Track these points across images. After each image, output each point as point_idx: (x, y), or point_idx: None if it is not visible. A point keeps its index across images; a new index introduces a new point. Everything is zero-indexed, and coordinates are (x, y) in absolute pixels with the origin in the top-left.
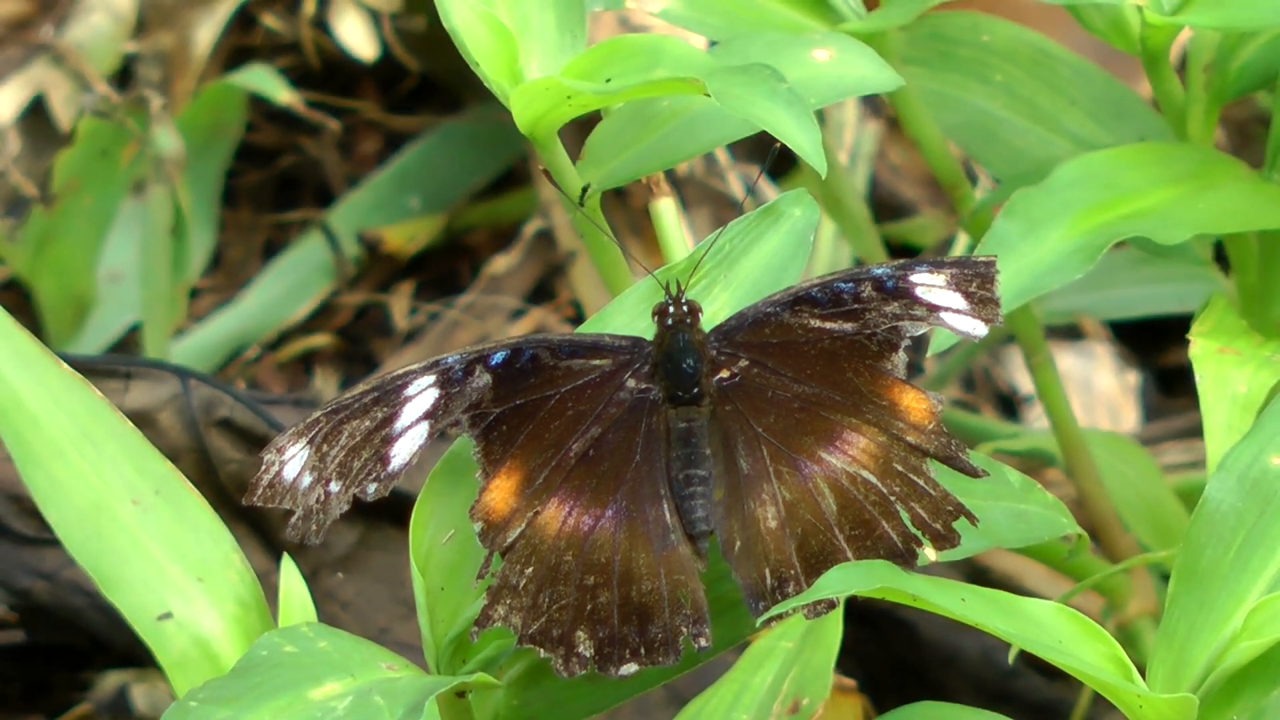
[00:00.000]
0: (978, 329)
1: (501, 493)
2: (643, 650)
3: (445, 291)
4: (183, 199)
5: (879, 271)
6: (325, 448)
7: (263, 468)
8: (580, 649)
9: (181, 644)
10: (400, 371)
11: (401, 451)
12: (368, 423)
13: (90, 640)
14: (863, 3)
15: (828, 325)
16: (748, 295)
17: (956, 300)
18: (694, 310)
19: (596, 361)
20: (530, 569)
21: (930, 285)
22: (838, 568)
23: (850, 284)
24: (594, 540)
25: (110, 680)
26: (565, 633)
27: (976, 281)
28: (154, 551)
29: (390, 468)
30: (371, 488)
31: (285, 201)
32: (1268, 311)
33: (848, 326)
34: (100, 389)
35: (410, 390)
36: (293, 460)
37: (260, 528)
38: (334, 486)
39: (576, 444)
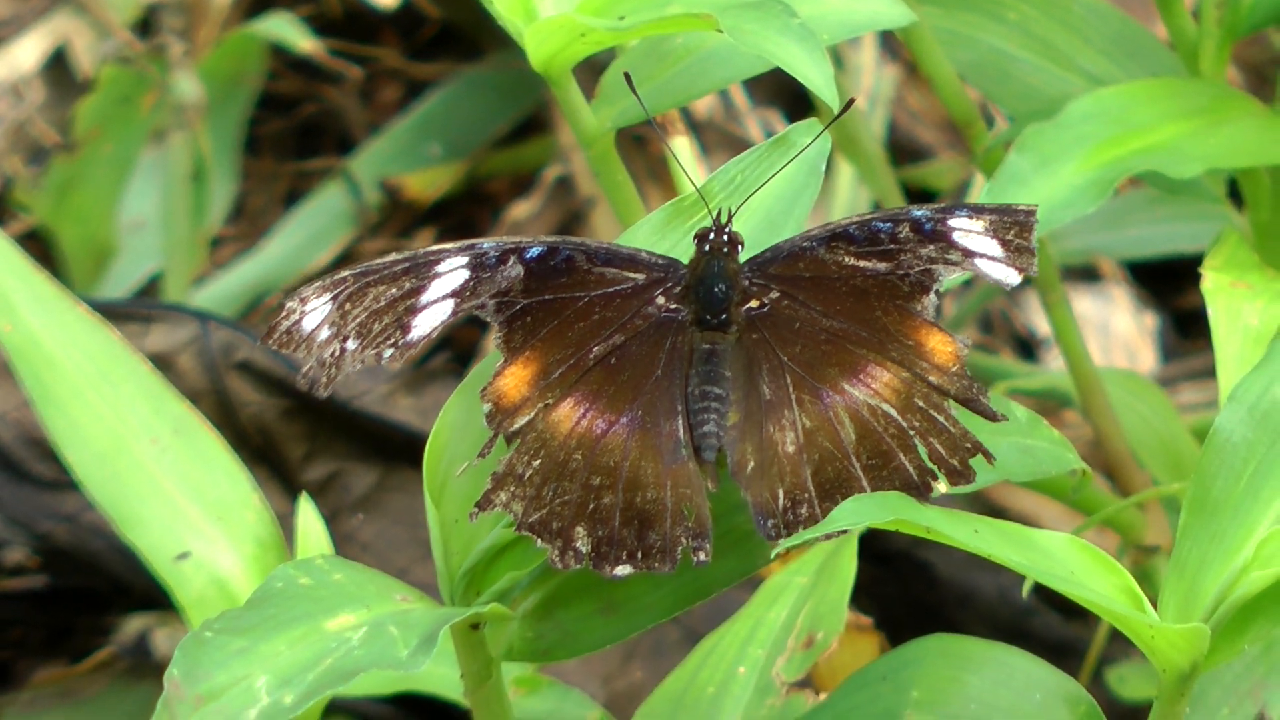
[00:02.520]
0: (1011, 277)
1: (515, 380)
2: (640, 554)
3: (466, 238)
4: (204, 147)
5: (918, 213)
6: (348, 306)
7: (283, 313)
8: (578, 544)
9: (200, 584)
10: (434, 248)
11: (423, 324)
12: (394, 290)
13: (111, 584)
14: None
15: (862, 263)
16: (760, 224)
17: (993, 247)
18: (734, 240)
19: (630, 274)
20: (538, 461)
21: (968, 230)
22: (852, 499)
23: (889, 224)
24: (605, 444)
25: (132, 624)
26: (565, 527)
27: (1015, 229)
28: (172, 491)
29: (409, 336)
30: (388, 352)
31: (306, 149)
32: None
33: (881, 266)
34: (120, 332)
35: (441, 267)
36: (314, 312)
37: (279, 470)
38: (351, 345)
39: (598, 348)
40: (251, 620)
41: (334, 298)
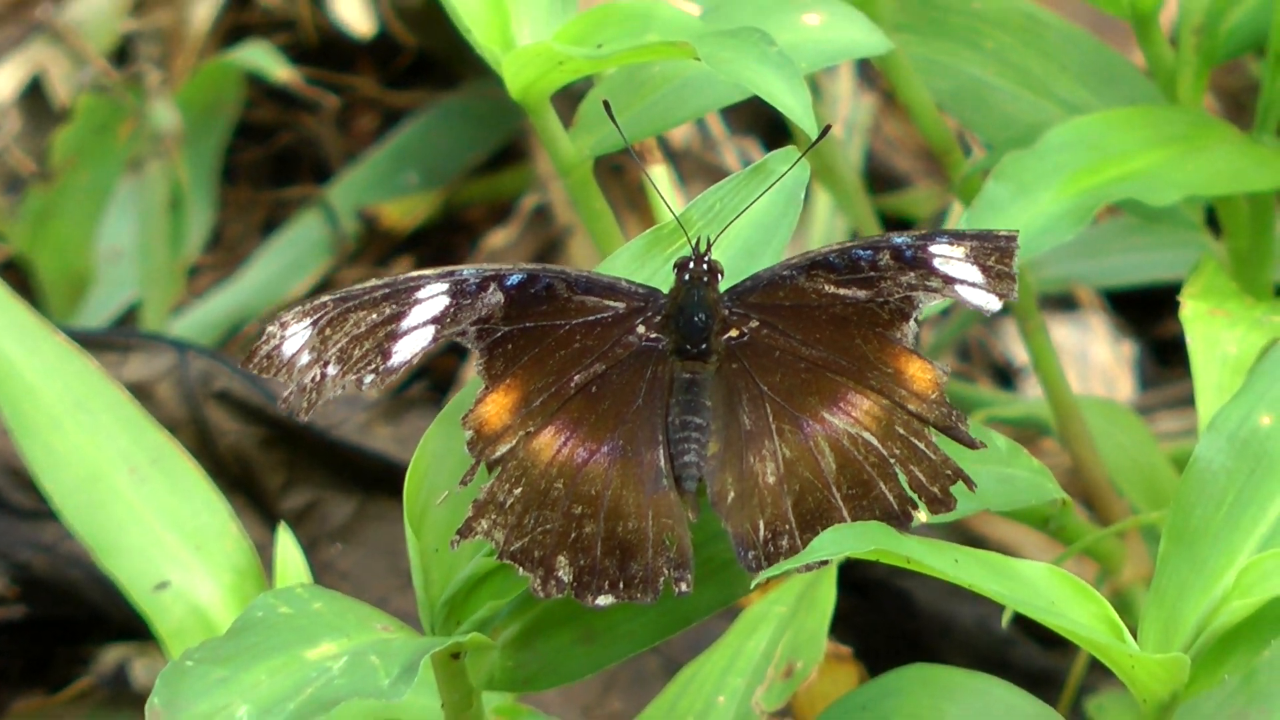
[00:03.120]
0: (992, 303)
1: (497, 407)
2: (622, 584)
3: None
4: (181, 175)
5: (899, 240)
6: (329, 331)
7: (263, 338)
8: (559, 573)
9: (179, 613)
10: (415, 274)
11: (403, 350)
12: (374, 316)
13: (89, 613)
14: None
15: (842, 291)
16: (739, 253)
17: (973, 273)
18: (714, 269)
19: (610, 303)
20: (519, 489)
21: (948, 257)
22: (832, 529)
23: (869, 251)
24: (586, 473)
25: (111, 654)
26: (546, 556)
27: (996, 255)
28: (151, 521)
29: (390, 362)
30: (368, 378)
31: (284, 178)
32: (1258, 274)
33: (861, 294)
34: (98, 361)
35: (422, 294)
36: (294, 337)
37: (257, 499)
38: (331, 370)
39: (579, 376)
40: (232, 649)
41: (314, 323)
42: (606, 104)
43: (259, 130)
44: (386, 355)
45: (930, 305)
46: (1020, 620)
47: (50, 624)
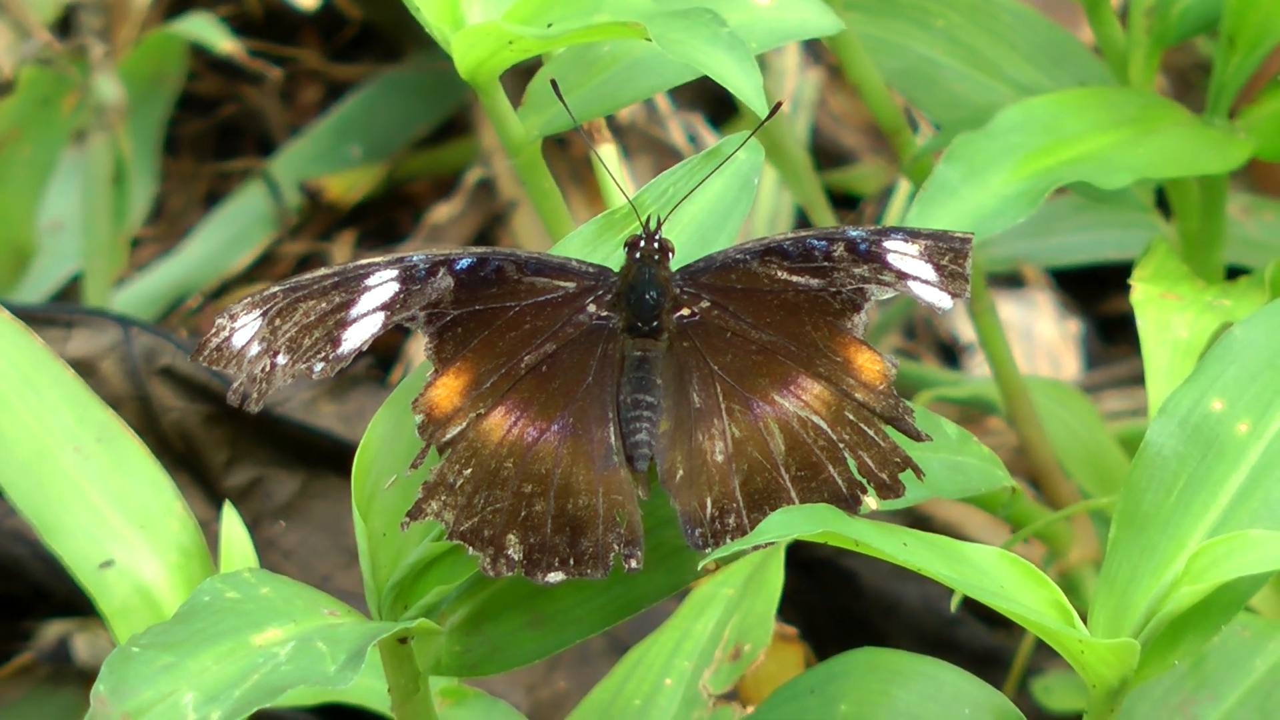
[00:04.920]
0: (944, 301)
1: (447, 390)
2: (572, 561)
3: (387, 240)
4: (124, 148)
5: (854, 234)
6: (278, 321)
7: (212, 330)
8: (509, 551)
9: (123, 592)
10: (364, 262)
11: (353, 337)
12: (324, 304)
13: (32, 589)
14: None
15: (794, 278)
16: (691, 237)
17: (927, 271)
18: (665, 248)
19: (560, 283)
20: (469, 470)
21: (903, 253)
22: (781, 510)
23: (824, 242)
24: (536, 451)
25: (52, 630)
26: (496, 534)
27: (950, 255)
28: (95, 499)
29: (340, 350)
30: (319, 366)
31: (226, 151)
32: (1209, 257)
33: (814, 282)
34: (41, 337)
35: (371, 281)
36: (244, 328)
37: (201, 476)
38: (281, 359)
39: (529, 357)
40: (178, 635)
41: (264, 313)
42: (554, 83)
43: (202, 102)
44: (336, 343)
45: (883, 298)
46: (967, 600)
47: None
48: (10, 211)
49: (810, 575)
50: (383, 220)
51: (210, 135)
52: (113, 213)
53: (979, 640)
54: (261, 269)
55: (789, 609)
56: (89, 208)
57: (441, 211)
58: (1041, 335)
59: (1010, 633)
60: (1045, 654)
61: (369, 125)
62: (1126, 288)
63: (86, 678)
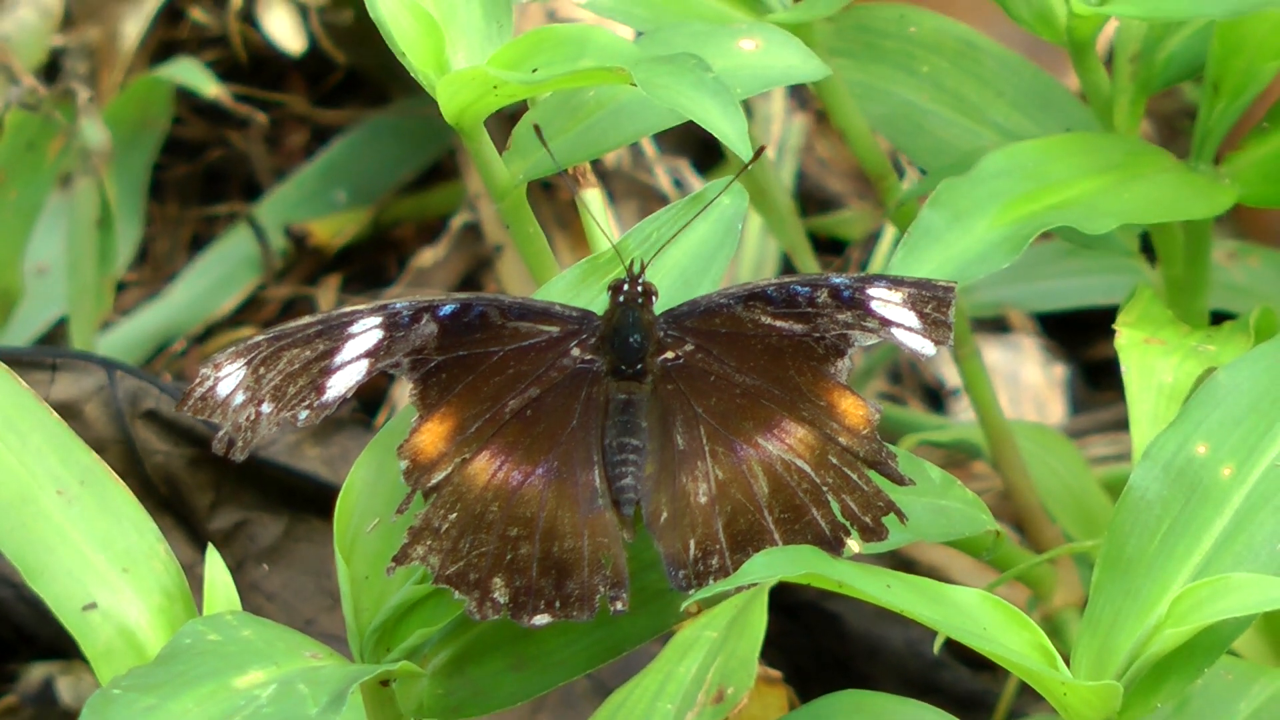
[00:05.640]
0: (927, 348)
1: (432, 436)
2: (558, 603)
3: (372, 285)
4: (109, 192)
5: (837, 280)
6: (262, 370)
7: (197, 380)
8: (495, 595)
9: (107, 635)
10: (347, 309)
11: (338, 384)
12: (308, 352)
13: (15, 632)
14: None
15: (778, 323)
16: (675, 282)
17: (910, 318)
18: (648, 291)
19: (544, 327)
20: (454, 514)
21: (886, 300)
22: (764, 552)
23: (807, 288)
24: (521, 495)
25: (36, 672)
26: (482, 578)
27: (933, 304)
28: (79, 542)
29: (324, 398)
30: (303, 414)
31: (212, 195)
32: (1194, 302)
33: (798, 327)
34: (26, 380)
35: (355, 328)
36: (228, 378)
37: (185, 519)
38: (266, 408)
39: (514, 401)
40: (160, 677)
41: (248, 362)
42: (537, 128)
43: (188, 147)
44: (321, 390)
45: (867, 344)
46: (950, 643)
47: None
48: None
49: (794, 619)
50: (368, 264)
51: (196, 179)
52: (98, 257)
53: (962, 684)
54: (247, 313)
55: (773, 652)
56: (74, 251)
57: (427, 256)
58: (1027, 380)
59: (994, 676)
60: (1028, 698)
61: (354, 170)
62: (1112, 333)
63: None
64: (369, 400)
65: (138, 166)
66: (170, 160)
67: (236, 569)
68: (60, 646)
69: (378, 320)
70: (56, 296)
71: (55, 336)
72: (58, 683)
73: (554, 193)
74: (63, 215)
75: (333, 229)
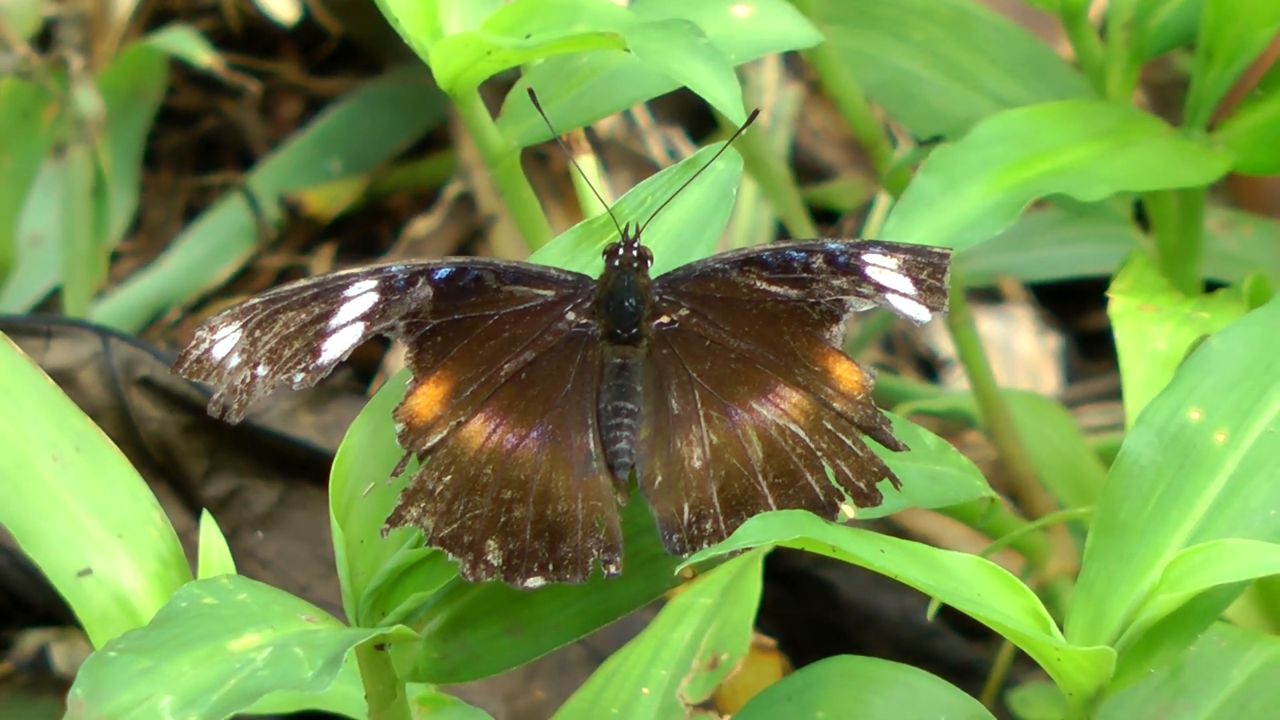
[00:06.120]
0: (921, 314)
1: (427, 399)
2: (551, 566)
3: (366, 254)
4: (103, 161)
5: (833, 246)
6: (258, 333)
7: (193, 342)
8: (489, 557)
9: (101, 600)
10: (343, 273)
11: (333, 347)
12: (304, 315)
13: (9, 599)
14: None
15: (773, 289)
16: (669, 246)
17: (905, 284)
18: (644, 255)
19: (539, 291)
20: (448, 477)
21: (881, 266)
22: (758, 516)
23: (803, 253)
24: (516, 458)
25: (30, 640)
26: (476, 540)
27: (928, 270)
28: (74, 508)
29: (320, 360)
30: (299, 377)
31: (206, 164)
32: (1187, 270)
33: (793, 293)
34: (20, 347)
35: (350, 291)
36: (223, 340)
37: (180, 486)
38: (261, 370)
39: (509, 365)
40: (156, 640)
41: (243, 325)
42: (532, 93)
43: (182, 116)
44: (316, 354)
45: (862, 310)
46: (944, 612)
47: None
48: None
49: (788, 587)
50: (362, 234)
51: (190, 149)
52: (92, 226)
53: (956, 652)
54: (241, 282)
55: (767, 620)
56: (68, 221)
57: (421, 225)
58: (1020, 350)
59: (988, 645)
60: (1022, 667)
61: (349, 139)
62: (1105, 302)
63: (65, 687)
64: (364, 369)
65: (132, 136)
66: (164, 130)
67: (231, 536)
68: (55, 613)
69: (373, 283)
70: (51, 266)
71: (49, 306)
72: (52, 650)
73: (548, 163)
74: (57, 184)
75: (327, 198)
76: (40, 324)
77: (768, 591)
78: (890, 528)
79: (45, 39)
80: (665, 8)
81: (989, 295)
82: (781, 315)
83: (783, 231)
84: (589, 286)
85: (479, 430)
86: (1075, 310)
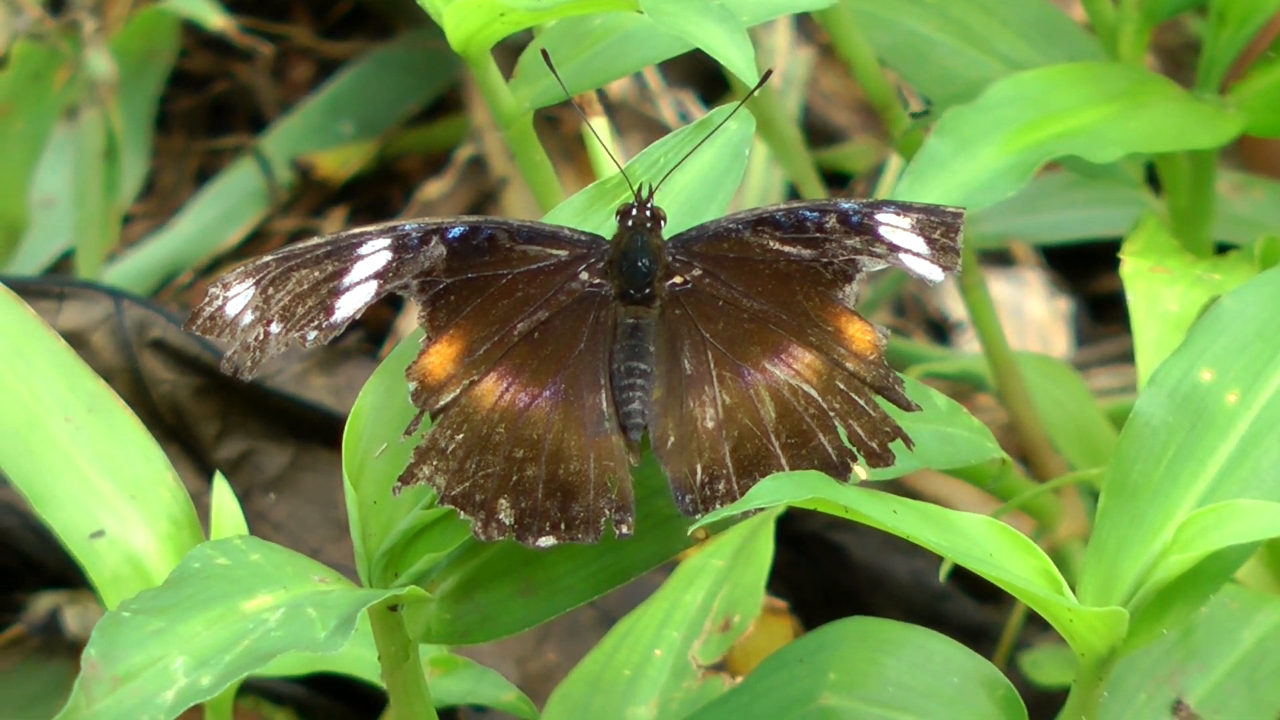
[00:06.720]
0: (934, 274)
1: (440, 358)
2: (563, 525)
3: (378, 217)
4: (116, 124)
5: (846, 205)
6: (271, 290)
7: (205, 299)
8: (501, 516)
9: (114, 562)
10: (356, 231)
11: (346, 305)
12: (317, 273)
13: (22, 561)
14: None
15: (786, 249)
16: (682, 207)
17: (918, 244)
18: (656, 215)
19: (553, 251)
20: (461, 435)
21: (895, 226)
22: (771, 477)
23: (816, 213)
24: (528, 417)
25: (43, 602)
26: (488, 499)
27: (941, 229)
28: (86, 469)
29: (333, 318)
30: (312, 334)
31: (218, 127)
32: (1199, 232)
33: (806, 253)
34: (33, 308)
35: (364, 250)
36: (236, 298)
37: (192, 449)
38: (274, 328)
39: (522, 324)
40: (169, 600)
41: (257, 283)
42: (545, 54)
43: (194, 79)
44: (330, 311)
45: (875, 270)
46: (955, 575)
47: None
48: (2, 186)
49: (800, 550)
50: (374, 197)
51: (202, 112)
52: (104, 188)
53: (967, 615)
54: (253, 245)
55: (779, 583)
56: (81, 183)
57: (433, 188)
58: (1031, 313)
59: (999, 608)
60: (1033, 629)
61: (360, 102)
62: (1116, 265)
63: (77, 649)
64: (375, 331)
65: (144, 98)
66: (176, 92)
67: (243, 498)
68: (67, 576)
69: (387, 242)
70: (63, 228)
71: (62, 269)
72: (64, 612)
73: (560, 126)
74: (69, 147)
75: (338, 161)
76: (53, 286)
77: (779, 554)
78: (901, 490)
79: (58, 1)
80: None
81: (1000, 258)
82: (794, 275)
83: (794, 194)
84: (602, 246)
85: (491, 389)
86: (1086, 273)
